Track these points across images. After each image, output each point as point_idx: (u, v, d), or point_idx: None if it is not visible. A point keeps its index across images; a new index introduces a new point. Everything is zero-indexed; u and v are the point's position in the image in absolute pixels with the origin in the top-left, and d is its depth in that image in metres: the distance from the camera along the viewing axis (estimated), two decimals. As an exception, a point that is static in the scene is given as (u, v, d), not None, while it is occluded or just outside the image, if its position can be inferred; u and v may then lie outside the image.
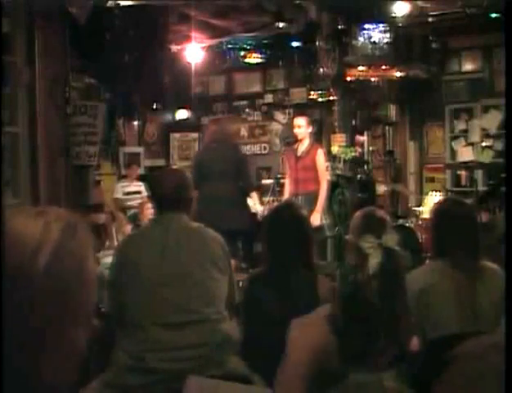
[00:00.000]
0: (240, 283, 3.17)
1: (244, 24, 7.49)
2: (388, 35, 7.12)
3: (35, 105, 3.41)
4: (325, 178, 6.05)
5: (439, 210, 2.77)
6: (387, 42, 7.15)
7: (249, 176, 6.31)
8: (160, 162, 9.47)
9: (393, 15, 6.92)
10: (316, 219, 5.69)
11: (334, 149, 7.22)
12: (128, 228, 6.47)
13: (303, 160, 6.02)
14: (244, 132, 9.72)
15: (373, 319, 1.81)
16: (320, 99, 8.40)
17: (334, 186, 6.77)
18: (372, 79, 7.54)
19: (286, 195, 6.20)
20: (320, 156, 6.04)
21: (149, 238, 2.60)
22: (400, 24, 7.16)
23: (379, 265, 1.83)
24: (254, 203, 6.31)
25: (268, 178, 8.31)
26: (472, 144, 8.25)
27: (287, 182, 6.28)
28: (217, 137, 6.13)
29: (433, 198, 6.27)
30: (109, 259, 4.29)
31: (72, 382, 0.90)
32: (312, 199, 5.92)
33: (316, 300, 2.63)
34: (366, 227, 2.97)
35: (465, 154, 8.30)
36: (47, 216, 0.91)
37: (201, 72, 8.82)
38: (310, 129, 6.17)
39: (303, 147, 6.09)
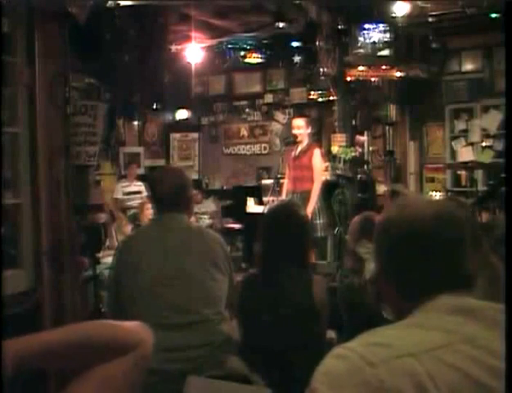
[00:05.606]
0: (240, 284, 3.16)
1: (244, 24, 7.49)
2: (388, 35, 7.12)
3: (35, 105, 3.40)
4: (319, 178, 6.10)
5: None
6: (387, 42, 7.15)
7: None
8: (160, 162, 9.48)
9: (393, 15, 6.92)
10: None
11: (334, 149, 7.22)
12: (128, 228, 6.48)
13: (300, 159, 6.11)
14: (244, 132, 9.73)
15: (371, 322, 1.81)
16: (320, 99, 8.41)
17: (334, 186, 6.78)
18: (372, 79, 7.54)
19: (284, 193, 6.26)
20: (316, 156, 6.10)
21: (149, 238, 2.60)
22: (400, 24, 7.15)
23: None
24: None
25: (268, 178, 8.32)
26: (472, 144, 8.24)
27: (286, 181, 6.34)
28: None
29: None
30: (109, 259, 4.29)
31: None
32: (308, 197, 5.98)
33: (311, 300, 2.61)
34: (363, 232, 2.97)
35: (465, 154, 8.29)
36: None
37: (201, 72, 8.82)
38: (309, 130, 6.23)
39: (301, 147, 6.16)
